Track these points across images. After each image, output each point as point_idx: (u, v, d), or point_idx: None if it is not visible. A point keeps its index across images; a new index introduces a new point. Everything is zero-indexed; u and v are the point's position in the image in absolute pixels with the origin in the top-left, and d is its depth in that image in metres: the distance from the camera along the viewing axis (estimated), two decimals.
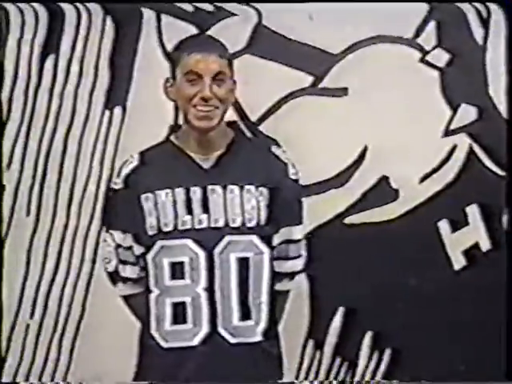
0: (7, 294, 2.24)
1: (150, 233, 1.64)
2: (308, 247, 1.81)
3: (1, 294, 2.24)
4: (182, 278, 1.62)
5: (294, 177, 1.72)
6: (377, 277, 2.22)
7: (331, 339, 2.26)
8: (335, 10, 2.17)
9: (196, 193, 1.62)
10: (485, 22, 2.21)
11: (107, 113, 2.23)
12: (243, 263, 1.62)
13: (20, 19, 2.21)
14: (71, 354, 2.28)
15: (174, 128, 2.10)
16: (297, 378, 2.26)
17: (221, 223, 1.61)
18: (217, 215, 1.62)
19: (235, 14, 2.20)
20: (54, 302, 2.27)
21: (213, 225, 1.61)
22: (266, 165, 1.69)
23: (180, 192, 1.62)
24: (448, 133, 2.23)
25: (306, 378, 2.26)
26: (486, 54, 2.21)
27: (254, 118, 2.23)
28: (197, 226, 1.61)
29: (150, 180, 1.66)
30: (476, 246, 2.25)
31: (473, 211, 2.24)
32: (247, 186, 1.63)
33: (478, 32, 2.21)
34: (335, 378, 2.27)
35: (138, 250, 1.69)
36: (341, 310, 2.25)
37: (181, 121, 1.70)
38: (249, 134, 2.17)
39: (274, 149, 1.74)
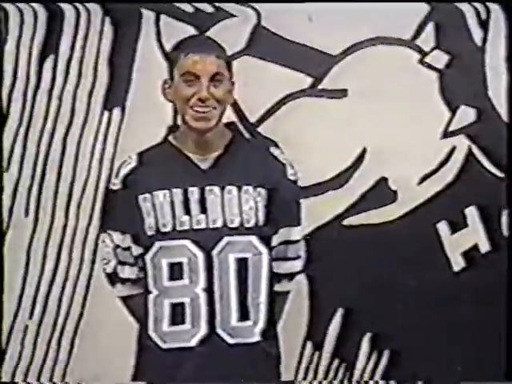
0: (7, 294, 2.24)
1: (149, 233, 1.64)
2: (307, 248, 1.81)
3: (1, 295, 2.24)
4: (181, 278, 1.61)
5: (292, 177, 1.72)
6: (376, 278, 2.21)
7: (330, 340, 2.26)
8: (334, 11, 2.17)
9: (194, 193, 1.62)
10: (484, 23, 2.21)
11: (106, 113, 2.23)
12: (242, 264, 1.62)
13: (19, 19, 2.21)
14: (70, 354, 2.27)
15: (173, 128, 2.10)
16: (295, 378, 2.26)
17: (219, 224, 1.61)
18: (215, 216, 1.61)
19: (234, 15, 2.21)
20: (54, 302, 2.26)
21: (211, 225, 1.61)
22: (264, 165, 1.69)
23: (178, 192, 1.62)
24: (447, 134, 2.23)
25: (304, 379, 2.26)
26: (485, 56, 2.22)
27: (253, 119, 2.22)
28: (195, 227, 1.61)
29: (148, 180, 1.66)
30: (475, 247, 2.25)
31: (472, 213, 2.24)
32: (245, 187, 1.63)
33: (477, 33, 2.21)
34: (333, 379, 2.27)
35: (137, 250, 1.69)
36: (340, 311, 2.25)
37: (179, 121, 1.70)
38: (247, 135, 2.17)
39: (272, 149, 1.74)
